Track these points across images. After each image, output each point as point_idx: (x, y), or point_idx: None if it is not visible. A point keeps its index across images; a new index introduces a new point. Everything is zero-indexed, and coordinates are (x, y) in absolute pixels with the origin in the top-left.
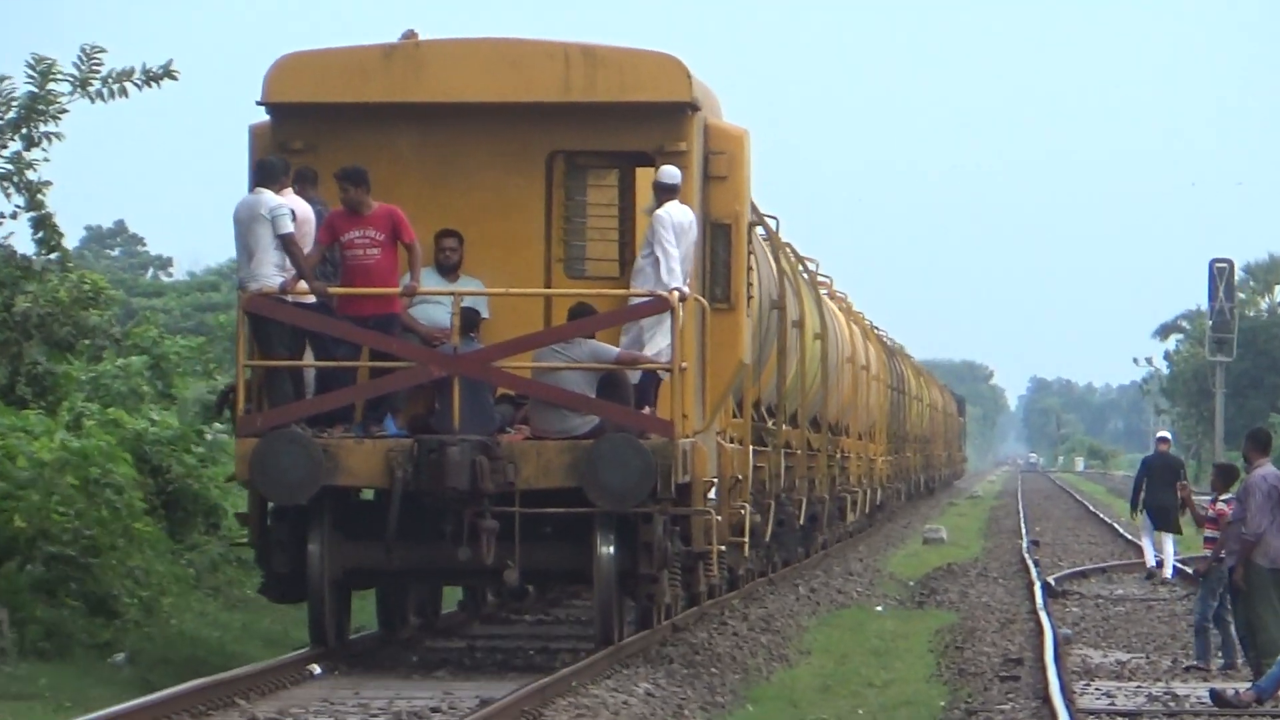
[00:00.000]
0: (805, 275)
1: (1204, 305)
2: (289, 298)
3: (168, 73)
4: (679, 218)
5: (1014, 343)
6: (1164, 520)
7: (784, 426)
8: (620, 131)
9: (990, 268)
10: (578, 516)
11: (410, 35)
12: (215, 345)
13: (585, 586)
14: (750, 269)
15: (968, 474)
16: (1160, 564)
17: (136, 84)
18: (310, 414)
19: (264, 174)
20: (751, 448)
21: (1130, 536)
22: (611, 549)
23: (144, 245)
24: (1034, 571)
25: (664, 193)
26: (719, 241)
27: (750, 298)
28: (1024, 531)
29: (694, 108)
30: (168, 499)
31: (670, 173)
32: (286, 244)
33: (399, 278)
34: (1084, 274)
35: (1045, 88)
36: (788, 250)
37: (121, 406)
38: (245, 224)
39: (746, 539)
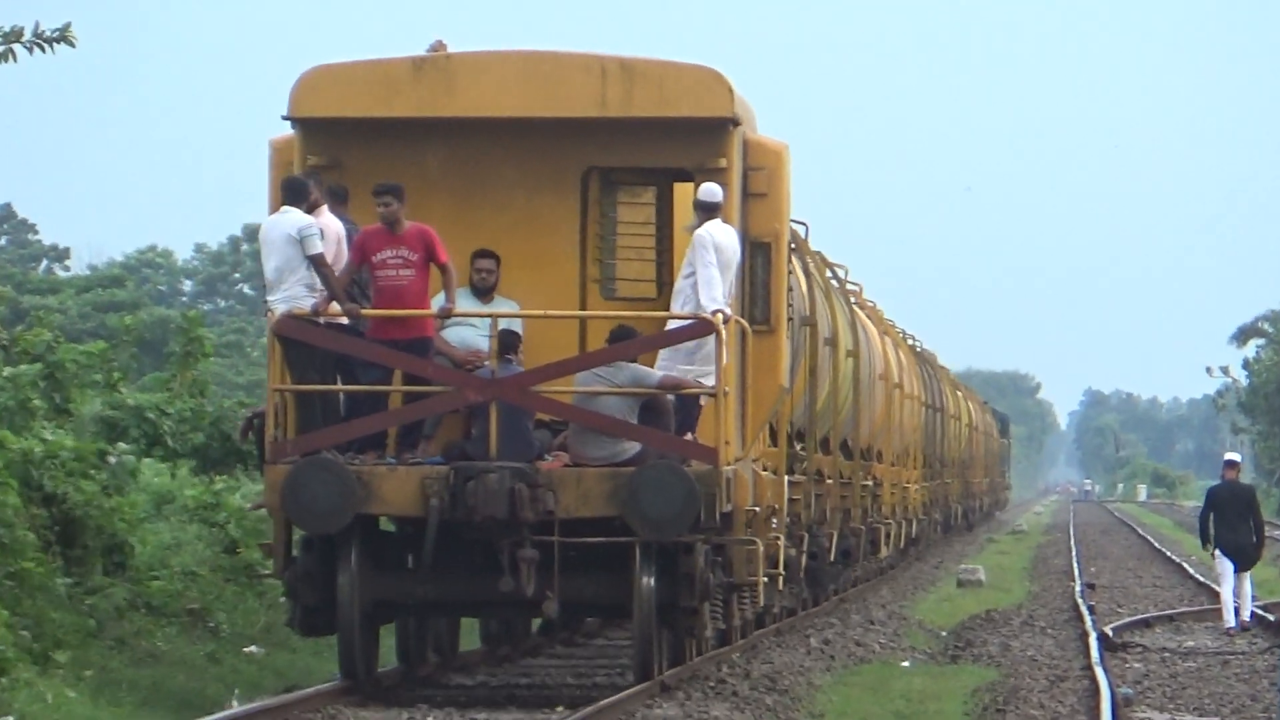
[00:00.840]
0: (835, 284)
1: None
2: (320, 320)
3: (64, 36)
4: (721, 238)
5: (1064, 350)
6: (1245, 560)
7: (816, 453)
8: (659, 148)
9: (1035, 265)
10: (617, 546)
11: (438, 46)
12: (120, 352)
13: (614, 619)
14: (791, 289)
15: (1010, 504)
16: (1241, 625)
17: (27, 46)
18: (343, 440)
19: (291, 192)
20: (785, 477)
21: (1202, 578)
22: (652, 580)
23: (36, 234)
24: (1089, 620)
25: (705, 211)
26: (758, 261)
27: (790, 319)
28: (1077, 572)
29: (735, 123)
30: (63, 533)
31: (711, 190)
32: (317, 264)
33: (431, 300)
34: (1147, 270)
35: (1101, 72)
36: (817, 259)
37: (8, 424)
38: (273, 244)
39: (782, 572)
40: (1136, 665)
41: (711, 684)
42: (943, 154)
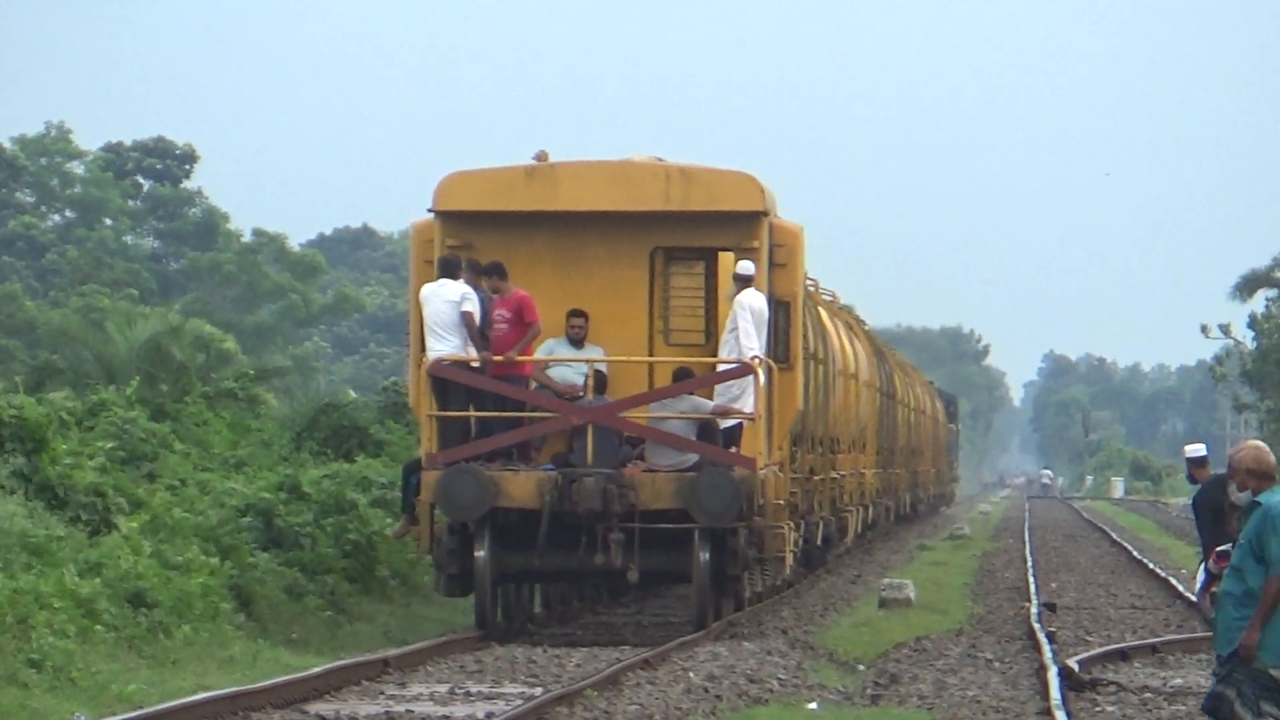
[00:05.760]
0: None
1: None
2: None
3: None
4: (755, 303)
5: (1018, 304)
6: None
7: (807, 453)
8: (708, 232)
9: (979, 202)
10: (682, 530)
11: (542, 155)
12: None
13: (677, 584)
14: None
15: (955, 500)
16: None
17: None
18: (480, 453)
19: (448, 267)
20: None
21: (1195, 597)
22: (707, 555)
23: None
24: (1048, 650)
25: (741, 282)
26: (781, 315)
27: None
28: (1033, 589)
29: (765, 214)
30: None
31: (746, 266)
32: (467, 320)
33: (536, 348)
34: (1124, 205)
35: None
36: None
37: None
38: (436, 305)
39: (795, 551)
40: (1110, 709)
41: None
42: (878, 92)
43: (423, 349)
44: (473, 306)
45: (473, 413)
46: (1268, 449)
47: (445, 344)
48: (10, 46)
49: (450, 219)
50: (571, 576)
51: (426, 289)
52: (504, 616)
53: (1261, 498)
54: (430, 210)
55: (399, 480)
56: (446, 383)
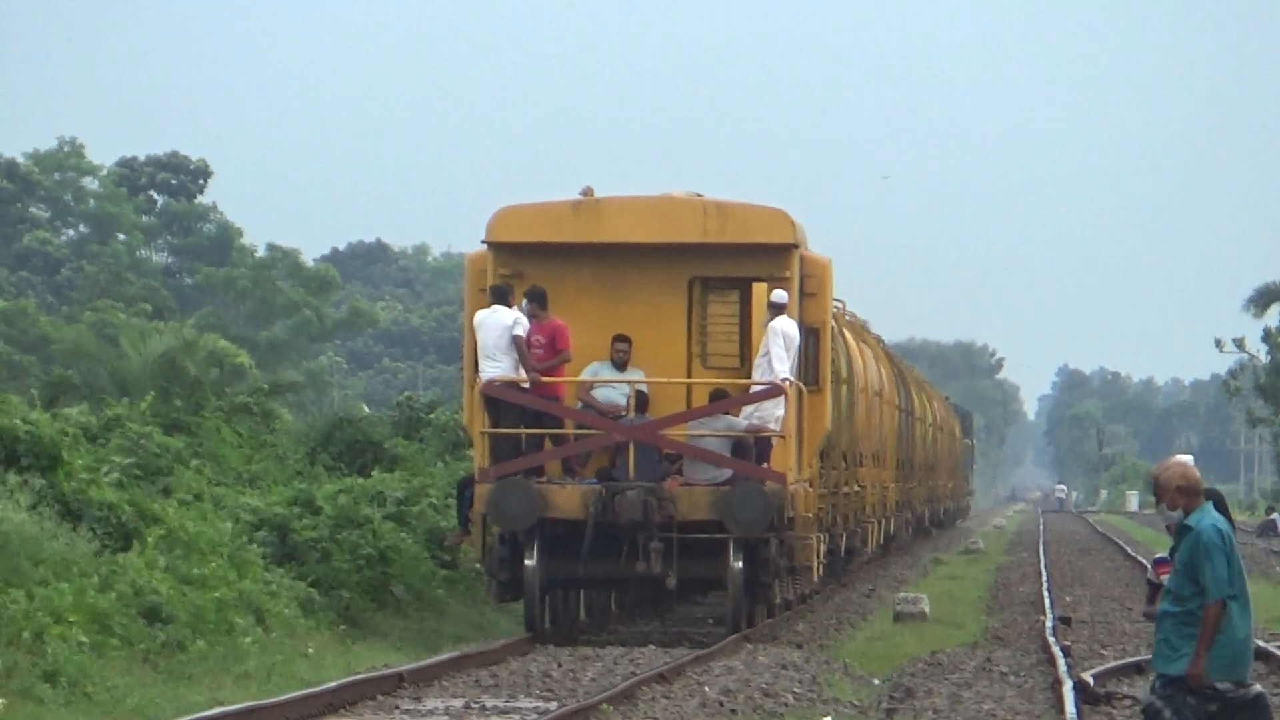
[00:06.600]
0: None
1: None
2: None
3: None
4: (788, 330)
5: (1032, 318)
6: None
7: (833, 469)
8: (742, 263)
9: (992, 215)
10: (717, 540)
11: (588, 191)
12: None
13: (712, 590)
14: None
15: (969, 514)
16: None
17: None
18: (528, 467)
19: (500, 295)
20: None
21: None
22: (741, 564)
23: None
24: (1062, 664)
25: (775, 310)
26: (810, 341)
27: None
28: (1048, 603)
29: (796, 246)
30: None
31: (780, 295)
32: (518, 342)
33: (583, 370)
34: (1137, 218)
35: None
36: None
37: None
38: (490, 330)
39: (821, 561)
40: None
41: None
42: (892, 107)
43: (476, 371)
44: (523, 331)
45: (523, 430)
46: (1192, 464)
47: (497, 366)
48: (23, 62)
49: (502, 250)
50: (614, 583)
51: (480, 315)
52: (551, 622)
53: (1191, 520)
54: (483, 241)
55: (411, 495)
56: (499, 402)
